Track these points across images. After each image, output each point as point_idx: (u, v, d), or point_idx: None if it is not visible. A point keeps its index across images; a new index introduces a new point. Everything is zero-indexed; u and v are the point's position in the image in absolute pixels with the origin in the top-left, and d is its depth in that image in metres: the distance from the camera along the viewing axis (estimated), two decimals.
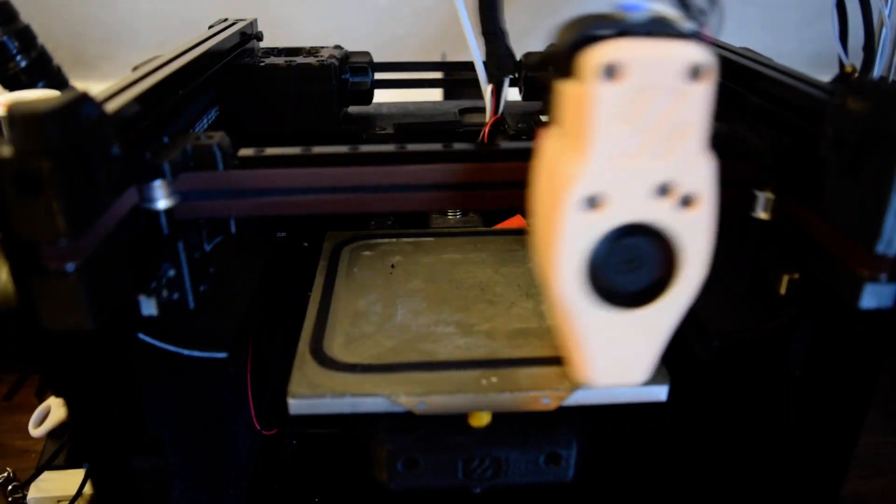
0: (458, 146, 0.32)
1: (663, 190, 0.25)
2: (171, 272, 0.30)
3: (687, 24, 0.25)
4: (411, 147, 0.31)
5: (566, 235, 0.25)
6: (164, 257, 0.30)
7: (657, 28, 0.24)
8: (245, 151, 0.31)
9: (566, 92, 0.25)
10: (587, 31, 0.24)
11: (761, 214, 0.31)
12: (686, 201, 0.25)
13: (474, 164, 0.31)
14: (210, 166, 0.30)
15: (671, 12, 0.25)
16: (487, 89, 0.44)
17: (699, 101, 0.24)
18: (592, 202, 0.25)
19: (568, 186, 0.25)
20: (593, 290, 0.27)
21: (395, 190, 0.31)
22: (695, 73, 0.23)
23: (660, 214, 0.25)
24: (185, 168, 0.30)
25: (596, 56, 0.23)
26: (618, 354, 0.28)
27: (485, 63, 0.43)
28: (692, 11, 0.26)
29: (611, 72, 0.23)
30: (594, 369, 0.29)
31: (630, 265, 0.27)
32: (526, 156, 0.29)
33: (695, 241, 0.26)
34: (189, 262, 0.31)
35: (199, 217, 0.31)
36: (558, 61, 0.25)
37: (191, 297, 0.32)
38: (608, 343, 0.28)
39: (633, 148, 0.24)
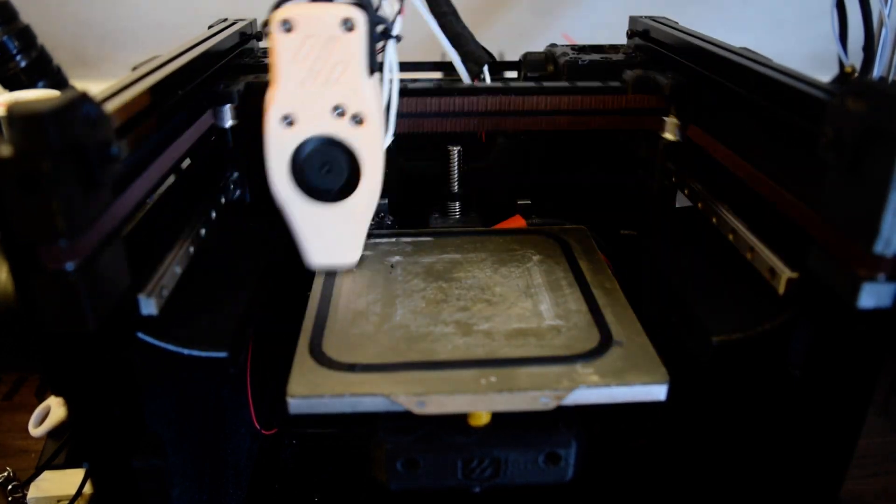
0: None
1: (338, 111, 0.35)
2: (236, 174, 0.42)
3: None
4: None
5: (271, 146, 0.36)
6: (230, 164, 0.42)
7: None
8: None
9: (268, 44, 0.34)
10: None
11: (668, 135, 0.43)
12: (356, 120, 0.35)
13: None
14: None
15: None
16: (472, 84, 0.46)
17: (354, 45, 0.34)
18: (287, 120, 0.35)
19: (267, 109, 0.35)
20: (300, 187, 0.37)
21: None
22: (347, 24, 0.33)
23: (338, 130, 0.35)
24: (246, 98, 0.41)
25: (277, 14, 0.33)
26: (329, 241, 0.38)
27: (462, 62, 0.45)
28: None
29: (287, 26, 0.33)
30: (312, 253, 0.39)
31: (325, 169, 0.37)
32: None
33: (368, 151, 0.36)
34: (249, 168, 0.42)
35: (256, 136, 0.38)
36: (266, 23, 0.34)
37: (248, 193, 0.44)
38: (319, 231, 0.38)
39: (311, 80, 0.34)
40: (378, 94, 0.37)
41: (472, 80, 0.46)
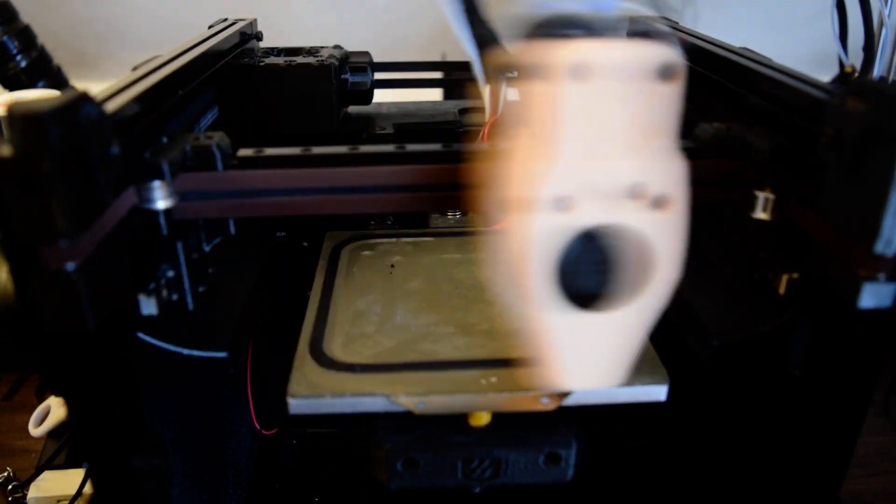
0: (455, 146, 0.32)
1: (633, 191, 0.24)
2: (171, 273, 0.30)
3: (657, 24, 0.24)
4: (410, 147, 0.31)
5: (535, 238, 0.25)
6: (163, 258, 0.30)
7: (625, 28, 0.24)
8: (244, 151, 0.31)
9: (533, 92, 0.24)
10: (556, 31, 0.24)
11: (761, 214, 0.30)
12: (657, 203, 0.25)
13: (472, 163, 0.31)
14: (209, 166, 0.30)
15: (643, 11, 0.25)
16: (486, 89, 0.44)
17: (669, 101, 0.24)
18: (560, 203, 0.24)
19: (537, 188, 0.24)
20: (564, 293, 0.26)
21: (394, 190, 0.31)
22: (663, 73, 0.23)
23: (630, 216, 0.25)
24: (184, 168, 0.30)
25: (563, 56, 0.23)
26: (591, 358, 0.27)
27: (481, 64, 0.43)
28: (663, 9, 0.26)
29: (577, 72, 0.23)
30: (566, 372, 0.28)
31: (600, 267, 0.26)
32: None
33: (666, 243, 0.25)
34: (188, 263, 0.31)
35: (198, 218, 0.31)
36: (526, 61, 0.24)
37: (190, 297, 0.31)
38: (580, 347, 0.27)
39: (602, 149, 0.24)
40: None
41: (488, 84, 0.44)
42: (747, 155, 0.30)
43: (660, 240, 0.25)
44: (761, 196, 0.30)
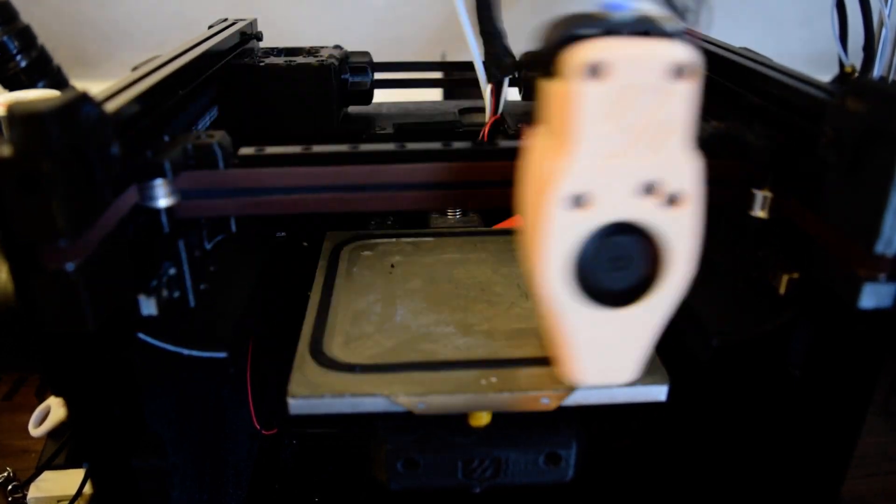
0: (456, 145, 0.32)
1: (649, 188, 0.25)
2: (172, 270, 0.30)
3: (672, 24, 0.25)
4: (410, 146, 0.32)
5: (552, 234, 0.25)
6: (165, 256, 0.30)
7: (642, 27, 0.25)
8: (245, 150, 0.31)
9: (551, 91, 0.25)
10: (572, 31, 0.24)
11: (759, 213, 0.31)
12: (672, 200, 0.25)
13: (472, 162, 0.31)
14: (210, 165, 0.30)
15: (656, 11, 0.25)
16: (487, 89, 0.44)
17: (684, 99, 0.24)
18: (578, 201, 0.25)
19: (553, 185, 0.25)
20: (580, 288, 0.27)
21: (395, 188, 0.31)
22: (679, 72, 0.24)
23: (645, 213, 0.26)
24: (185, 167, 0.30)
25: (580, 55, 0.23)
26: (605, 353, 0.28)
27: (484, 63, 0.43)
28: (678, 10, 0.26)
29: (595, 70, 0.23)
30: (582, 369, 0.29)
31: (617, 264, 0.27)
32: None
33: (681, 239, 0.26)
34: (190, 261, 0.31)
35: (199, 216, 0.31)
36: (544, 60, 0.25)
37: (191, 295, 0.32)
38: (595, 342, 0.28)
39: (618, 146, 0.24)
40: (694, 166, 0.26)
41: (490, 83, 0.44)
42: (745, 154, 0.31)
43: (675, 236, 0.26)
44: (759, 195, 0.30)
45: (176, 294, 0.30)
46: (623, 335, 0.28)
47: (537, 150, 0.27)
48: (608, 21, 0.25)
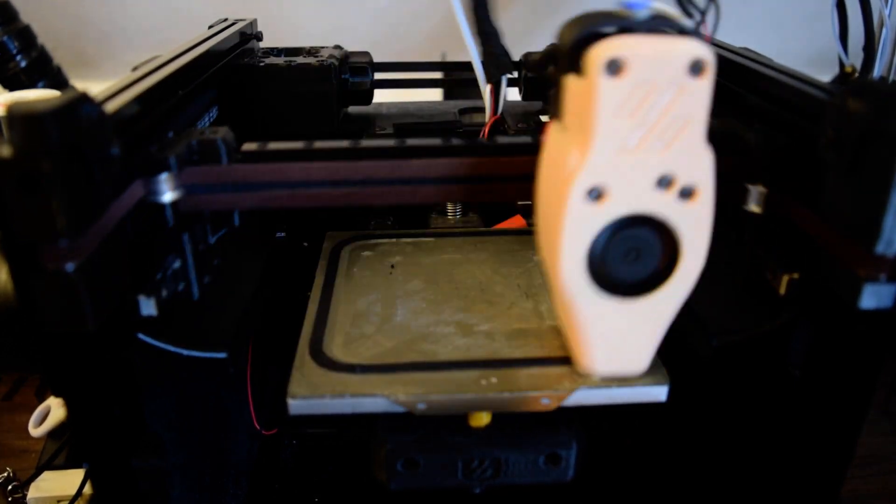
0: (456, 141, 0.32)
1: (663, 182, 0.26)
2: (177, 264, 0.30)
3: (687, 22, 0.25)
4: (411, 142, 0.32)
5: (569, 226, 0.26)
6: (170, 249, 0.30)
7: (658, 25, 0.25)
8: (248, 146, 0.32)
9: (570, 87, 0.26)
10: (591, 28, 0.25)
11: (754, 208, 0.31)
12: (685, 193, 0.26)
13: (473, 158, 0.31)
14: (214, 160, 0.31)
15: (671, 10, 0.26)
16: (486, 89, 0.44)
17: (699, 95, 0.25)
18: (595, 194, 0.26)
19: (571, 178, 0.25)
20: (595, 280, 0.28)
21: (397, 183, 0.31)
22: (695, 68, 0.24)
23: (660, 206, 0.26)
24: (189, 162, 0.30)
25: (600, 52, 0.24)
26: (619, 344, 0.29)
27: (483, 63, 0.43)
28: (692, 9, 0.27)
29: (614, 67, 0.24)
30: (596, 359, 0.30)
31: (631, 256, 0.28)
32: (523, 150, 0.30)
33: (694, 232, 0.27)
34: (194, 254, 0.31)
35: (203, 210, 0.31)
36: (562, 57, 0.26)
37: (196, 288, 0.32)
38: (609, 332, 0.29)
39: (635, 141, 0.25)
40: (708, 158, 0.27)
41: (489, 83, 0.44)
42: (739, 149, 0.31)
43: (687, 229, 0.27)
44: (753, 190, 0.31)
45: (181, 286, 0.31)
46: (636, 326, 0.29)
47: (554, 144, 0.27)
48: (626, 19, 0.25)
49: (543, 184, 0.28)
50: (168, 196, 0.29)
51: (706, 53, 0.24)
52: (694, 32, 0.25)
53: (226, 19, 0.52)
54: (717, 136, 0.30)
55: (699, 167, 0.26)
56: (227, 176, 0.31)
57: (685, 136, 0.25)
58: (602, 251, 0.27)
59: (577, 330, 0.29)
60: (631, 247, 0.27)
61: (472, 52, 0.42)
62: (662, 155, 0.25)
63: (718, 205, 0.27)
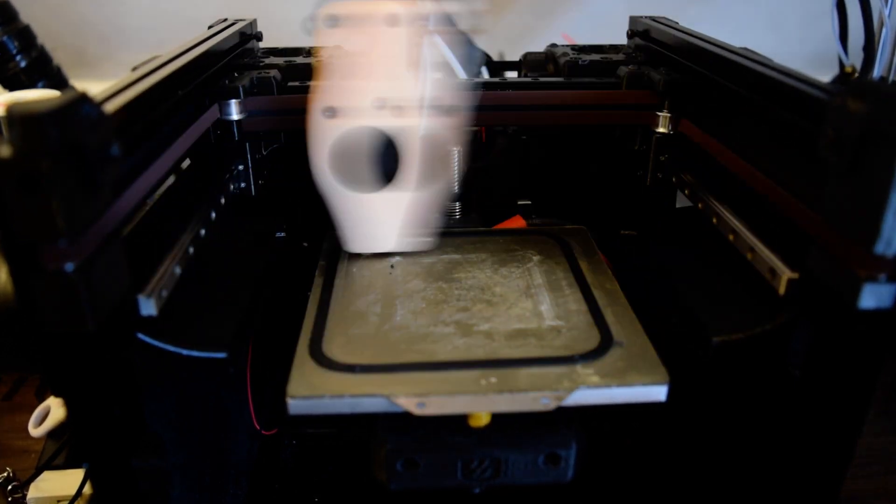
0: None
1: (382, 103, 0.37)
2: (241, 167, 0.43)
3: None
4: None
5: (314, 136, 0.38)
6: (235, 156, 0.43)
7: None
8: (293, 83, 0.45)
9: (315, 39, 0.36)
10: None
11: (661, 130, 0.44)
12: (397, 111, 0.37)
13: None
14: (268, 92, 0.44)
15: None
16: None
17: (401, 40, 0.36)
18: (329, 112, 0.37)
19: (311, 101, 0.37)
20: (342, 177, 0.38)
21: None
22: (393, 20, 0.35)
23: (381, 121, 0.37)
24: (251, 93, 0.43)
25: (323, 11, 0.35)
26: (369, 228, 0.40)
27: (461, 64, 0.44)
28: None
29: (332, 22, 0.35)
30: (352, 240, 0.40)
31: (370, 159, 0.38)
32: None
33: (408, 142, 0.37)
34: (252, 161, 0.44)
35: (259, 130, 0.44)
36: (311, 19, 0.36)
37: (253, 186, 0.44)
38: (359, 218, 0.40)
39: (358, 73, 0.36)
40: (421, 87, 0.37)
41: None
42: (651, 86, 0.44)
43: (404, 140, 0.38)
44: (660, 115, 0.44)
45: (242, 185, 0.44)
46: (380, 214, 0.39)
47: (317, 75, 0.38)
48: None
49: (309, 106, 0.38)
50: (235, 116, 0.42)
51: (399, 9, 0.35)
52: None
53: (225, 19, 0.52)
54: (634, 77, 0.45)
55: (406, 91, 0.36)
56: (277, 104, 0.44)
57: (389, 69, 0.36)
58: (343, 155, 0.38)
59: (336, 217, 0.39)
60: (367, 152, 0.38)
61: (449, 58, 0.45)
62: (377, 83, 0.36)
63: (632, 127, 0.42)
